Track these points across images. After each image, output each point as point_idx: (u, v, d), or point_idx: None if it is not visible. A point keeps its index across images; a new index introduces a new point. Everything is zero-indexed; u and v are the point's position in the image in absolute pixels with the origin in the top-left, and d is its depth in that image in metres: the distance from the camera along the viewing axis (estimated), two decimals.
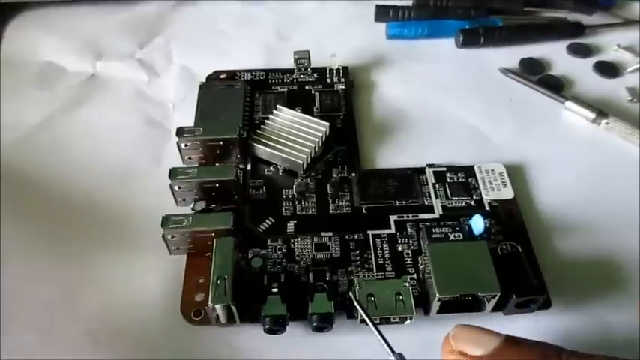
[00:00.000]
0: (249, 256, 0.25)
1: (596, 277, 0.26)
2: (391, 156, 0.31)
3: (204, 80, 0.34)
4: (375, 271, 0.25)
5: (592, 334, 0.24)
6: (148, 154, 0.31)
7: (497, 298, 0.22)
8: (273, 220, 0.27)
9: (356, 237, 0.26)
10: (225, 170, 0.26)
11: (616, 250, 0.27)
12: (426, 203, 0.28)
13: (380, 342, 0.20)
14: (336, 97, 0.33)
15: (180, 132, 0.28)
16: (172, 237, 0.24)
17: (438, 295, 0.22)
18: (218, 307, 0.22)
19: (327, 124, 0.30)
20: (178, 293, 0.24)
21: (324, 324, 0.23)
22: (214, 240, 0.24)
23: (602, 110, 0.32)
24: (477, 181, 0.29)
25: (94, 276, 0.26)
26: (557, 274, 0.25)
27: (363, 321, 0.22)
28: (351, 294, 0.22)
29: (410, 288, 0.23)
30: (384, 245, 0.26)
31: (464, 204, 0.28)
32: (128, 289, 0.25)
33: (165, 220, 0.24)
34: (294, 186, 0.28)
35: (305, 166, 0.29)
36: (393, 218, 0.27)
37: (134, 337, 0.24)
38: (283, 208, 0.28)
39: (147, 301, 0.25)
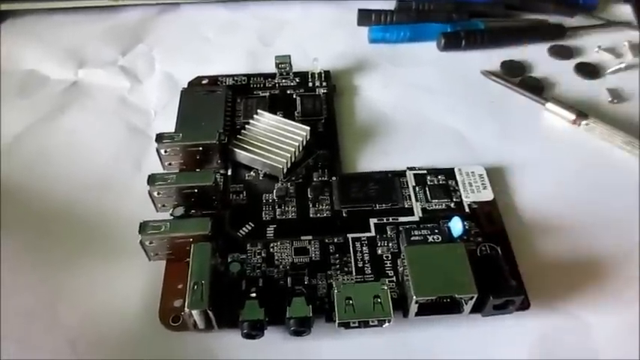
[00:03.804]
0: (229, 261, 0.25)
1: (575, 278, 0.26)
2: (372, 159, 0.31)
3: (186, 86, 0.34)
4: (354, 274, 0.25)
5: (571, 334, 0.24)
6: (129, 160, 0.31)
7: (474, 299, 0.22)
8: (253, 225, 0.27)
9: (335, 240, 0.26)
10: (204, 175, 0.26)
11: (595, 251, 0.27)
12: (406, 206, 0.28)
13: None
14: (318, 101, 0.33)
15: (159, 138, 0.28)
16: (150, 243, 0.24)
17: (415, 297, 0.22)
18: (195, 312, 0.22)
19: (308, 128, 0.30)
20: (157, 300, 0.24)
21: (302, 328, 0.23)
22: (192, 245, 0.24)
23: (582, 111, 0.32)
24: (457, 183, 0.29)
25: (74, 284, 0.26)
26: (537, 276, 0.25)
27: (341, 324, 0.22)
28: None
29: (388, 291, 0.23)
30: (364, 248, 0.26)
31: (444, 206, 0.28)
32: (108, 296, 0.25)
33: (143, 227, 0.24)
34: (274, 190, 0.28)
35: (285, 170, 0.29)
36: (373, 221, 0.27)
37: (114, 345, 0.24)
38: (263, 213, 0.28)
39: (126, 308, 0.25)
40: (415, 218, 0.27)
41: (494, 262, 0.25)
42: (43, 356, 0.23)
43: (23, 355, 0.23)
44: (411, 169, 0.29)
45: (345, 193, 0.28)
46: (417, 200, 0.28)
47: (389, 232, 0.27)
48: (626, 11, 0.41)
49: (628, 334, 0.24)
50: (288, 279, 0.25)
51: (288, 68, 0.34)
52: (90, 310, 0.25)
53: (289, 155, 0.29)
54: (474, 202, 0.28)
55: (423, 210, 0.28)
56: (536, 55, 0.38)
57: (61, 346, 0.24)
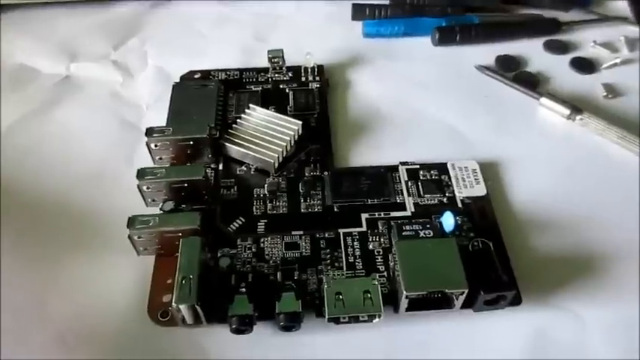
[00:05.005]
0: (219, 256, 0.25)
1: (568, 273, 0.26)
2: (365, 154, 0.31)
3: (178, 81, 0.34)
4: (345, 269, 0.25)
5: (564, 329, 0.24)
6: (121, 155, 0.31)
7: (465, 294, 0.22)
8: (243, 220, 0.27)
9: (327, 235, 0.26)
10: (194, 170, 0.26)
11: (588, 246, 0.27)
12: (399, 201, 0.28)
13: None
14: (311, 95, 0.33)
15: (149, 132, 0.28)
16: (139, 238, 0.24)
17: (405, 292, 0.22)
18: (183, 307, 0.22)
19: (300, 122, 0.30)
20: (146, 294, 0.24)
21: (291, 323, 0.22)
22: (180, 240, 0.23)
23: (576, 106, 0.32)
24: (450, 178, 0.29)
25: (64, 278, 0.25)
26: (530, 271, 0.25)
27: (331, 320, 0.22)
28: None
29: (379, 286, 0.22)
30: (355, 243, 0.26)
31: (436, 201, 0.28)
32: (97, 291, 0.25)
33: (132, 221, 0.24)
34: (265, 185, 0.28)
35: (276, 164, 0.28)
36: (364, 216, 0.27)
37: (103, 339, 0.24)
38: (254, 208, 0.27)
39: (116, 302, 0.25)
40: (407, 213, 0.27)
41: (486, 257, 0.25)
42: (32, 350, 0.23)
43: (12, 348, 0.23)
44: (403, 163, 0.29)
45: (337, 188, 0.28)
46: (409, 195, 0.28)
47: (380, 227, 0.26)
48: (622, 6, 0.41)
49: (620, 327, 0.24)
50: (278, 274, 0.24)
51: (280, 62, 0.34)
52: (79, 304, 0.25)
53: (281, 150, 0.28)
54: (467, 197, 0.28)
55: (416, 205, 0.27)
56: (531, 50, 0.37)
57: (50, 340, 0.23)
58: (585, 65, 0.36)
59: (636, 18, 0.40)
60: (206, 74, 0.34)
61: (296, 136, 0.29)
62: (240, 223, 0.27)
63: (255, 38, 0.39)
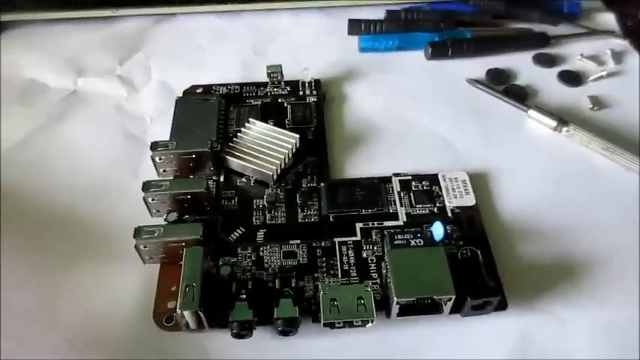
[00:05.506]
0: (220, 264, 0.26)
1: (552, 279, 0.27)
2: (360, 165, 0.32)
3: (181, 95, 0.35)
4: (340, 276, 0.26)
5: (548, 332, 0.25)
6: (126, 167, 0.32)
7: (452, 301, 0.23)
8: (243, 230, 0.28)
9: (323, 244, 0.27)
10: (196, 182, 0.28)
11: (572, 253, 0.28)
12: (391, 211, 0.29)
13: None
14: (308, 109, 0.34)
15: (154, 146, 0.29)
16: (145, 247, 0.26)
17: (396, 298, 0.23)
18: (187, 313, 0.23)
19: (297, 135, 0.31)
20: (152, 301, 0.25)
21: (289, 328, 0.24)
22: (184, 249, 0.25)
23: (562, 118, 0.33)
24: (440, 188, 0.30)
25: (73, 285, 0.27)
26: (516, 277, 0.27)
27: (326, 325, 0.23)
28: None
29: (371, 293, 0.24)
30: (350, 252, 0.27)
31: (427, 211, 0.29)
32: (105, 297, 0.26)
33: (138, 231, 0.25)
34: (264, 196, 0.29)
35: (275, 176, 0.30)
36: (359, 226, 0.28)
37: (111, 344, 0.25)
38: (254, 218, 0.29)
39: (122, 309, 0.26)
40: (400, 223, 0.28)
41: (474, 264, 0.26)
42: (43, 354, 0.24)
43: (23, 353, 0.24)
44: (396, 175, 0.31)
45: (333, 198, 0.29)
46: (401, 205, 0.29)
47: (374, 236, 0.28)
48: (609, 19, 0.43)
49: (603, 331, 0.25)
50: (277, 281, 0.26)
51: (279, 77, 0.35)
52: (88, 310, 0.26)
53: (279, 162, 0.30)
54: (457, 207, 0.29)
55: (408, 215, 0.29)
56: (520, 63, 0.39)
57: (59, 344, 0.25)
58: (573, 78, 0.38)
59: (623, 31, 0.41)
60: (208, 89, 0.36)
61: (294, 149, 0.31)
62: (241, 232, 0.28)
63: (254, 52, 0.40)
